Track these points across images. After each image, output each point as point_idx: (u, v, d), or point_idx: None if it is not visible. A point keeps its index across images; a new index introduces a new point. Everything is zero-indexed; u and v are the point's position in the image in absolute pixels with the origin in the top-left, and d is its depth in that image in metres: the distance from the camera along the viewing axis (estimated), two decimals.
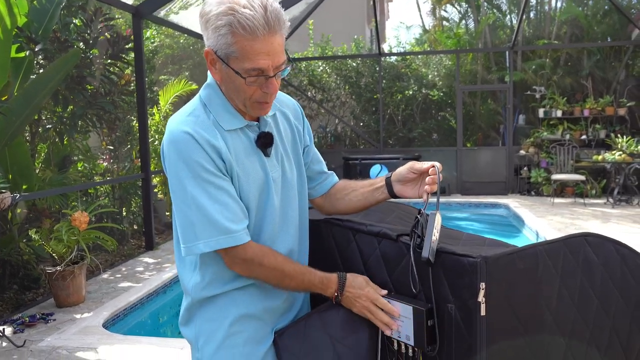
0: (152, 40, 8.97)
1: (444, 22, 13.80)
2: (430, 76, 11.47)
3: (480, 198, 9.31)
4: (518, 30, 9.95)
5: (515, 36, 9.94)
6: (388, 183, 1.38)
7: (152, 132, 7.16)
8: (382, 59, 11.01)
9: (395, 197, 1.40)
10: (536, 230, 6.61)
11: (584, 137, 9.51)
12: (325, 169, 1.53)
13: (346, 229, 1.47)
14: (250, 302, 1.30)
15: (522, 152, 9.77)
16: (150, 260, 5.52)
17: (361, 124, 11.36)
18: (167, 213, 7.62)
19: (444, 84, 11.22)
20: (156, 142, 7.39)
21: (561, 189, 9.33)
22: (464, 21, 13.20)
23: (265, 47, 1.16)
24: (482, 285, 1.10)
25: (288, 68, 1.25)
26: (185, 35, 9.65)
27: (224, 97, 1.29)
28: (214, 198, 1.20)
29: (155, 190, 7.40)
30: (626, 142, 8.83)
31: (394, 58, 11.66)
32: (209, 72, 1.30)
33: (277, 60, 1.19)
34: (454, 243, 1.32)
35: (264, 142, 1.31)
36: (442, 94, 11.09)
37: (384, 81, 10.90)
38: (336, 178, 1.54)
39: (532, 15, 12.20)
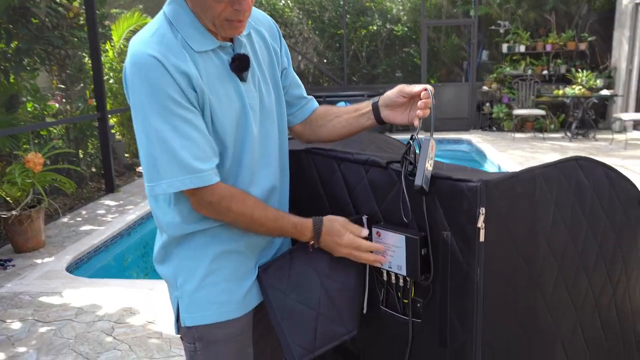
0: None
1: None
2: (394, 10, 11.19)
3: (444, 134, 9.37)
4: None
5: None
6: (375, 108, 1.29)
7: (106, 69, 6.76)
8: None
9: (383, 123, 1.31)
10: (498, 164, 6.73)
11: (545, 72, 9.59)
12: (305, 94, 1.41)
13: (330, 158, 1.38)
14: (232, 238, 1.21)
15: (485, 87, 9.80)
16: (112, 203, 5.35)
17: (325, 60, 11.09)
18: (126, 155, 7.35)
19: (409, 19, 10.99)
20: (111, 81, 7.01)
21: (521, 124, 9.47)
22: None
23: None
24: (482, 210, 1.05)
25: None
26: None
27: (192, 13, 1.13)
28: (181, 133, 1.07)
29: (113, 130, 7.10)
30: (585, 77, 8.96)
31: None
32: None
33: None
34: (438, 171, 1.26)
35: (240, 65, 1.17)
36: (406, 29, 10.88)
37: (347, 16, 10.58)
38: (316, 103, 1.42)
39: None
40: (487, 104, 9.81)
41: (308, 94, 1.43)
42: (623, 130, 9.03)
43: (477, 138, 8.87)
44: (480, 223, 1.05)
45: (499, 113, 9.54)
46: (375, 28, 10.83)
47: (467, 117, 9.95)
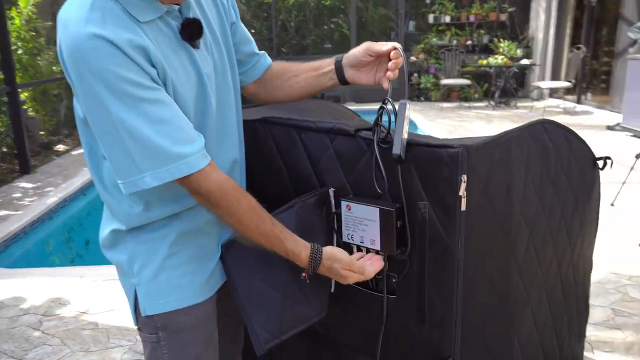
0: None
1: None
2: None
3: (373, 105, 9.36)
4: None
5: None
6: (338, 67, 1.18)
7: (13, 39, 6.14)
8: None
9: (346, 83, 1.20)
10: (429, 133, 6.86)
11: (469, 42, 9.83)
12: (257, 49, 1.27)
13: (289, 127, 1.27)
14: (193, 216, 1.09)
15: (413, 58, 9.92)
16: (29, 185, 4.91)
17: (252, 31, 10.74)
18: (41, 132, 6.79)
19: None
20: (20, 52, 6.40)
21: (448, 94, 9.70)
22: None
23: None
24: (464, 177, 0.99)
25: None
26: None
27: None
28: (152, 118, 0.91)
29: (25, 106, 6.51)
30: (507, 47, 9.28)
31: None
32: None
33: None
34: (413, 137, 1.19)
35: (191, 32, 1.01)
36: None
37: None
38: (269, 59, 1.29)
39: None
40: (415, 74, 9.95)
41: None
42: (540, 97, 9.49)
43: None
44: (462, 191, 0.99)
45: (427, 83, 9.71)
46: None
47: (396, 88, 10.00)
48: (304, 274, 1.10)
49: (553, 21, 9.33)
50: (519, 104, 8.99)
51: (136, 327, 1.15)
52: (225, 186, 1.00)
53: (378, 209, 1.08)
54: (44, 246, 4.01)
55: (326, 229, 1.20)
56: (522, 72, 9.88)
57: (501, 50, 9.27)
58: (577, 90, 8.63)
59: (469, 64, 9.55)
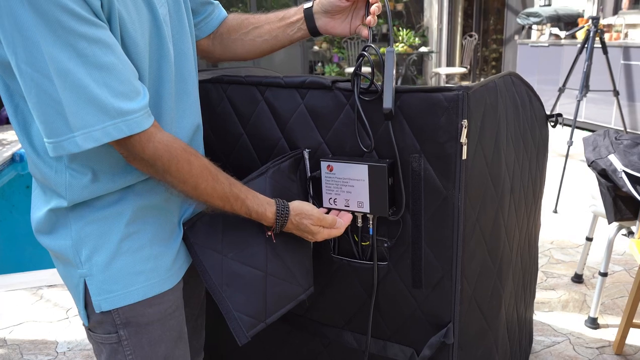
0: None
1: None
2: None
3: None
4: None
5: None
6: (308, 15, 1.05)
7: None
8: None
9: (317, 34, 1.08)
10: None
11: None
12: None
13: (250, 85, 1.12)
14: (149, 189, 0.90)
15: (316, 47, 9.93)
16: None
17: None
18: None
19: None
20: None
21: None
22: None
23: None
24: (464, 122, 0.90)
25: None
26: None
27: None
28: (91, 60, 0.72)
29: None
30: (406, 35, 9.58)
31: None
32: None
33: None
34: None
35: None
36: None
37: None
38: (224, 11, 1.13)
39: None
40: (319, 64, 9.97)
41: None
42: (438, 83, 9.92)
43: None
44: (464, 138, 0.91)
45: (331, 72, 9.77)
46: None
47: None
48: (269, 233, 0.98)
49: (445, 11, 9.78)
50: None
51: (85, 328, 0.94)
52: (174, 147, 0.82)
53: (367, 165, 0.97)
54: None
55: (304, 196, 1.07)
56: (421, 59, 10.26)
57: (401, 38, 9.55)
58: (472, 76, 9.13)
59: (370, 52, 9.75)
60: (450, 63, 9.86)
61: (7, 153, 4.89)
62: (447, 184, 0.94)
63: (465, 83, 9.37)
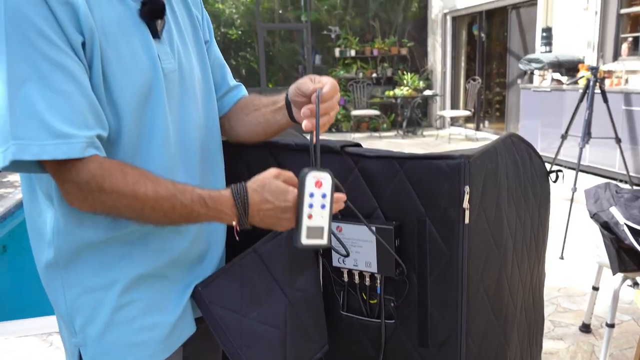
0: None
1: None
2: (227, 12, 11.00)
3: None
4: None
5: None
6: (287, 103, 1.02)
7: None
8: None
9: (295, 122, 1.04)
10: None
11: (374, 75, 10.25)
12: (230, 78, 1.14)
13: (264, 149, 1.18)
14: (143, 256, 0.91)
15: None
16: None
17: None
18: None
19: (242, 23, 10.89)
20: None
21: (357, 125, 9.99)
22: None
23: None
24: (467, 189, 0.96)
25: None
26: None
27: None
28: (48, 82, 0.75)
29: None
30: (410, 79, 9.79)
31: None
32: None
33: None
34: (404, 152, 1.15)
35: (152, 10, 0.88)
36: (240, 33, 10.77)
37: None
38: (243, 91, 1.15)
39: None
40: None
41: None
42: (443, 126, 10.06)
43: None
44: (466, 203, 0.96)
45: (337, 115, 9.94)
46: None
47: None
48: (234, 223, 0.86)
49: (449, 55, 10.01)
50: (425, 133, 9.45)
51: None
52: (107, 163, 0.80)
53: (374, 227, 1.02)
54: None
55: (313, 253, 1.11)
56: (425, 102, 10.44)
57: (405, 82, 9.76)
58: (476, 119, 9.26)
59: (375, 95, 9.94)
60: (454, 106, 10.02)
61: (18, 196, 4.98)
62: (450, 247, 0.98)
63: (470, 125, 9.51)
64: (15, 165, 0.76)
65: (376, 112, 9.37)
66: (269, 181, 0.87)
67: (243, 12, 10.94)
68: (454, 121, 9.91)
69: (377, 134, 9.53)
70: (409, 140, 8.78)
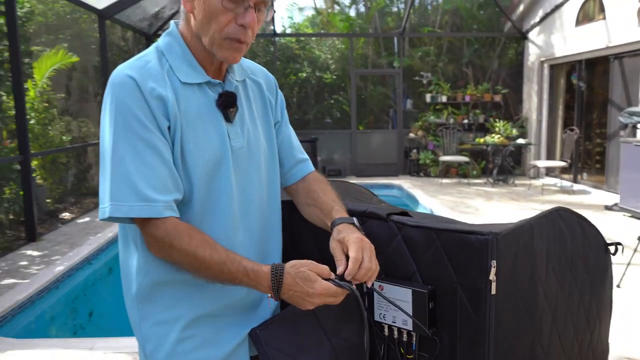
0: (21, 5, 7.95)
1: (335, 6, 13.93)
2: (322, 58, 11.54)
3: (374, 179, 9.60)
4: (407, 17, 10.33)
5: (404, 23, 10.31)
6: (332, 226, 1.19)
7: (27, 109, 6.36)
8: (277, 39, 10.85)
9: None
10: (430, 208, 6.96)
11: (465, 121, 10.19)
12: (299, 153, 1.34)
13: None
14: (205, 299, 1.13)
15: (412, 135, 10.24)
16: (35, 253, 4.92)
17: None
18: (48, 200, 6.87)
19: (337, 67, 11.37)
20: (32, 122, 6.60)
21: (446, 170, 9.93)
22: (354, 5, 13.42)
23: None
24: (493, 263, 1.06)
25: (271, 12, 1.11)
26: (61, 0, 8.70)
27: (186, 47, 1.12)
28: (141, 157, 1.02)
29: (34, 174, 6.63)
30: (503, 126, 9.62)
31: (287, 39, 11.56)
32: (171, 22, 1.16)
33: None
34: (441, 223, 1.27)
35: (226, 101, 1.13)
36: (334, 77, 11.24)
37: (278, 62, 10.77)
38: (310, 167, 1.35)
39: (416, 2, 12.73)
40: (414, 150, 10.23)
41: None
42: (537, 176, 9.72)
43: (407, 183, 9.17)
44: (492, 276, 1.06)
45: (426, 159, 9.97)
46: (305, 75, 11.10)
47: (395, 163, 10.29)
48: (269, 296, 1.04)
49: (545, 103, 9.73)
50: (516, 182, 9.19)
51: None
52: (180, 226, 1.04)
53: (411, 290, 1.15)
54: (51, 316, 3.97)
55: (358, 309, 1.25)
56: (519, 151, 10.17)
57: (497, 129, 9.60)
58: (573, 170, 8.87)
59: (465, 141, 9.86)
60: (550, 156, 9.66)
61: None
62: (478, 314, 1.09)
63: (565, 176, 9.10)
64: (112, 219, 1.03)
65: (465, 159, 9.28)
66: (303, 269, 1.04)
67: (337, 57, 11.43)
68: (549, 171, 9.55)
69: (465, 181, 9.41)
70: (498, 189, 8.57)
